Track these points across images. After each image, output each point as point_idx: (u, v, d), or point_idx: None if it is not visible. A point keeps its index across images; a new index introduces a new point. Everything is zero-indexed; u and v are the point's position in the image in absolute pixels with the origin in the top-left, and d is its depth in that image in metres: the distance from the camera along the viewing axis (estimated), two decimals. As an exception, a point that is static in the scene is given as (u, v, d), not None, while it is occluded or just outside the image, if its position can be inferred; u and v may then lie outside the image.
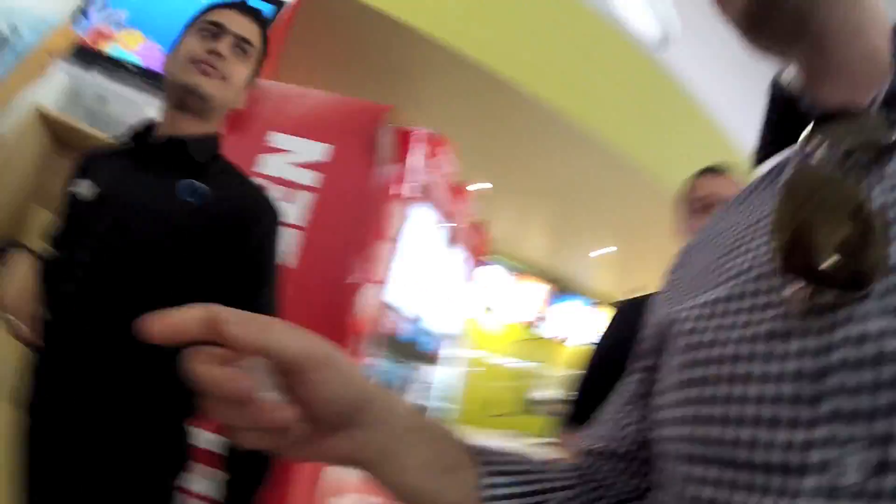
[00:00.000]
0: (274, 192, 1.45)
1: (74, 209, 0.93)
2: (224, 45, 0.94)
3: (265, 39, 1.02)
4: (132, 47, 1.85)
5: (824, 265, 0.25)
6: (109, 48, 1.82)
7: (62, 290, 0.86)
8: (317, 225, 1.44)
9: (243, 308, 0.28)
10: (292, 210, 1.43)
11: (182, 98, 0.92)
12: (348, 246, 1.41)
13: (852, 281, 0.25)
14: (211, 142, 0.97)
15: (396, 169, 1.51)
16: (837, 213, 0.26)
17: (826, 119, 0.31)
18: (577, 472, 0.42)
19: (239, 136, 1.60)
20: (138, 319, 0.26)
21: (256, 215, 0.94)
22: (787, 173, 0.32)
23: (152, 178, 0.91)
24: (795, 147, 0.33)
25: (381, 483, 0.34)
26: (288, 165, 1.52)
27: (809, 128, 0.31)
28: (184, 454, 0.90)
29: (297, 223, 1.43)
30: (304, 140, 1.56)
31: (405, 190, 1.48)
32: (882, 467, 0.21)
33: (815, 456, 0.23)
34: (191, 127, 0.93)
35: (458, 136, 1.85)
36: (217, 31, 0.95)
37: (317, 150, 1.54)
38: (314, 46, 2.17)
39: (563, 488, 0.40)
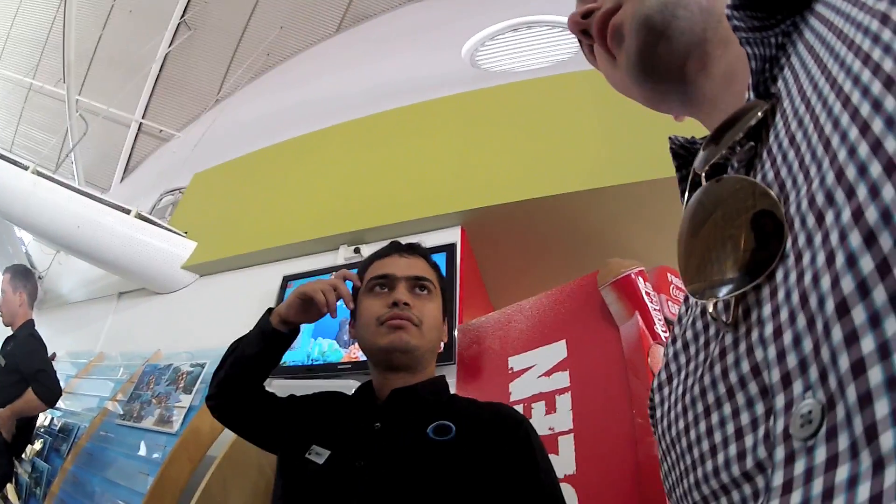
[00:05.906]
0: (537, 410, 1.37)
1: (305, 477, 0.84)
2: (402, 293, 0.90)
3: (436, 267, 0.98)
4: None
5: (715, 299, 0.27)
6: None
7: None
8: (583, 420, 1.24)
9: None
10: (559, 418, 1.28)
11: (387, 360, 0.89)
12: (621, 421, 1.16)
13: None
14: (437, 383, 0.92)
15: (637, 319, 1.32)
16: (735, 227, 0.27)
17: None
18: None
19: (482, 380, 1.63)
20: None
21: (513, 427, 0.84)
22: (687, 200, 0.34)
23: (391, 432, 0.84)
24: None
25: None
26: (537, 379, 1.44)
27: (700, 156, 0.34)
28: None
29: (567, 429, 1.26)
30: (540, 349, 1.50)
31: (657, 331, 1.25)
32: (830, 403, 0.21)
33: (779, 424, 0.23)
34: (407, 380, 0.89)
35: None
36: (387, 282, 0.92)
37: (555, 351, 1.46)
38: (505, 261, 2.28)
39: None
